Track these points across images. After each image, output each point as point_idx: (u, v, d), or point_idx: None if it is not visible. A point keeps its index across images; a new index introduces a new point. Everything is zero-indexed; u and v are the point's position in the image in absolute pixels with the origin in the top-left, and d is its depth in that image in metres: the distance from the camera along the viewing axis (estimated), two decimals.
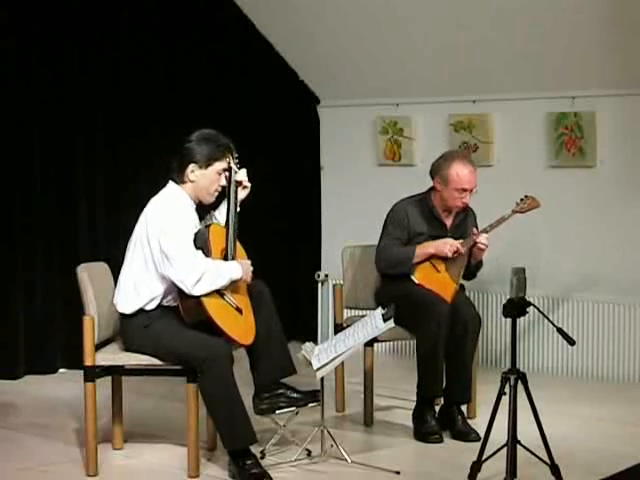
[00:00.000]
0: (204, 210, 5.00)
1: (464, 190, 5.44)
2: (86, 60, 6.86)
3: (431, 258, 5.49)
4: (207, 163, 4.78)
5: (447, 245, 5.44)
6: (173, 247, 4.63)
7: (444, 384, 5.42)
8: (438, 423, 5.33)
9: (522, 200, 5.59)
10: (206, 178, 4.80)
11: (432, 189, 5.58)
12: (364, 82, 7.46)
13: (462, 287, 5.67)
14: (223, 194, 4.92)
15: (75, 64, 6.83)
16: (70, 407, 5.80)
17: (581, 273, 6.71)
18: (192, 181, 4.79)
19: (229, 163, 4.85)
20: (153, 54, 7.14)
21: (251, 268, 4.84)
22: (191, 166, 4.77)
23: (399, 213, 5.58)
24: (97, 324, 4.80)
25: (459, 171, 5.43)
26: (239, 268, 4.74)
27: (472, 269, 5.61)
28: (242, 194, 4.97)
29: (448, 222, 5.58)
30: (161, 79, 7.16)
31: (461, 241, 5.48)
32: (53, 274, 6.78)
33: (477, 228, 5.58)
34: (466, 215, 5.63)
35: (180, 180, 4.81)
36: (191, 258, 4.64)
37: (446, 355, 5.33)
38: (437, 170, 5.52)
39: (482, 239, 5.45)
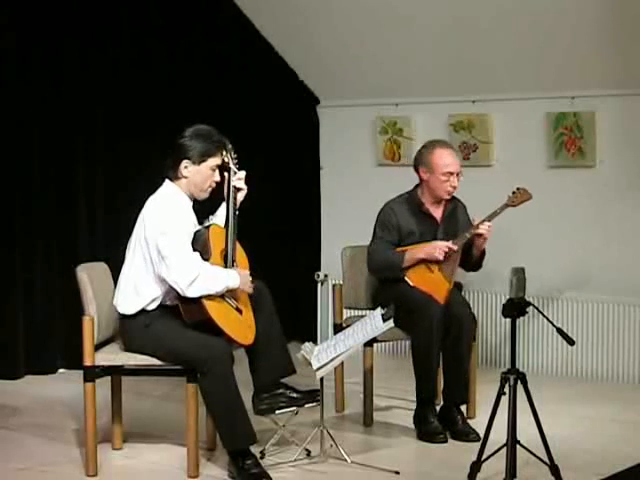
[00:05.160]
0: (202, 210, 5.00)
1: (450, 174, 5.45)
2: (86, 60, 6.86)
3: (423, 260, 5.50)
4: (200, 159, 4.78)
5: (437, 249, 5.40)
6: (169, 247, 4.62)
7: (442, 385, 5.43)
8: (441, 423, 5.33)
9: (514, 193, 5.54)
10: (199, 174, 4.79)
11: (417, 185, 5.59)
12: (364, 82, 7.46)
13: (459, 286, 5.68)
14: (221, 195, 4.93)
15: (75, 64, 6.83)
16: (70, 407, 5.80)
17: (581, 273, 6.71)
18: (185, 177, 4.79)
19: (224, 160, 4.85)
20: (153, 54, 7.14)
21: (249, 278, 4.81)
22: (184, 162, 4.77)
23: (388, 214, 5.57)
24: (97, 324, 4.80)
25: (443, 155, 5.48)
26: (237, 277, 4.71)
27: (476, 259, 5.58)
28: (239, 196, 4.96)
29: (438, 215, 5.57)
30: (161, 79, 7.15)
31: (451, 241, 5.46)
32: (53, 274, 6.78)
33: (469, 219, 5.59)
34: (455, 207, 5.63)
35: (174, 176, 4.81)
36: (186, 259, 4.62)
37: (442, 356, 5.33)
38: (421, 160, 5.55)
39: (484, 227, 5.43)
